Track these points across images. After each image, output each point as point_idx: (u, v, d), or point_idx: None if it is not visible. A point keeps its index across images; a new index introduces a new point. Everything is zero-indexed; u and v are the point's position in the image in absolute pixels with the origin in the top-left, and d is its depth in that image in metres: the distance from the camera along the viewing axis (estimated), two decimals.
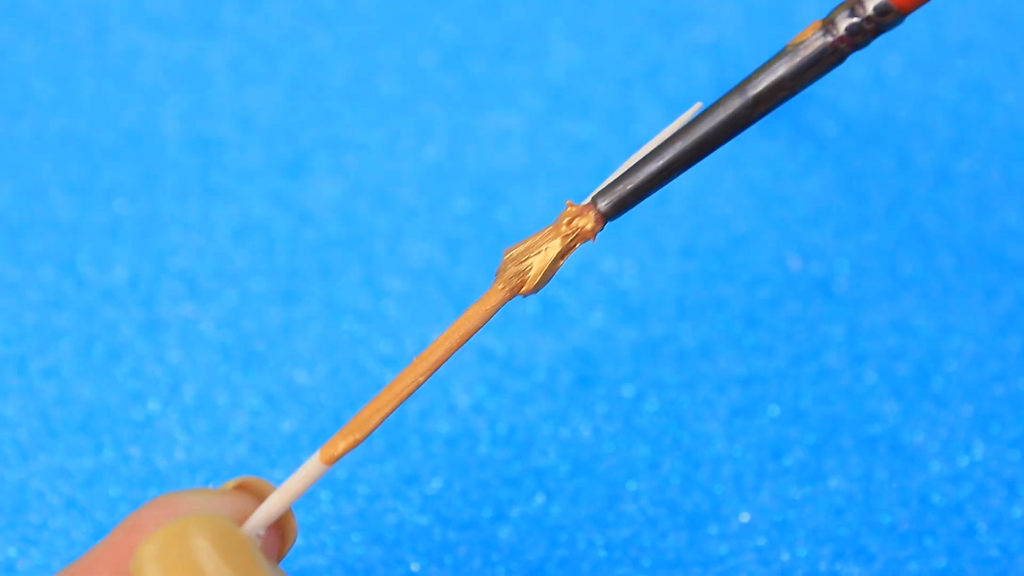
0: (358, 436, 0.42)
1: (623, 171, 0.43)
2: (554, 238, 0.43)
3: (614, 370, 0.62)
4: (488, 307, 0.43)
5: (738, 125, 0.42)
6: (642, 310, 0.64)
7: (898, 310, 0.64)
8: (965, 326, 0.63)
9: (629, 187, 0.43)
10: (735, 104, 0.42)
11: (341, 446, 0.42)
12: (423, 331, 0.63)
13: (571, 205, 0.43)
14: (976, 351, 0.62)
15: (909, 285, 0.64)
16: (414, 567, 0.58)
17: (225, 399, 0.61)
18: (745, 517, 0.59)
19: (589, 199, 0.43)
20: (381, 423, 0.42)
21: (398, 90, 0.70)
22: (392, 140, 0.68)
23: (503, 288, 0.43)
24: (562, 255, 0.43)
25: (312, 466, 0.42)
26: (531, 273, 0.43)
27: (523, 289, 0.43)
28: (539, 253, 0.43)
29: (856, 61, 0.71)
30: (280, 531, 0.43)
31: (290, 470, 0.60)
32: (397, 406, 0.42)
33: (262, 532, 0.43)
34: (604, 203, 0.43)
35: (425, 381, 0.43)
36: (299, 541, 0.58)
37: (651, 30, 0.72)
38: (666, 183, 0.43)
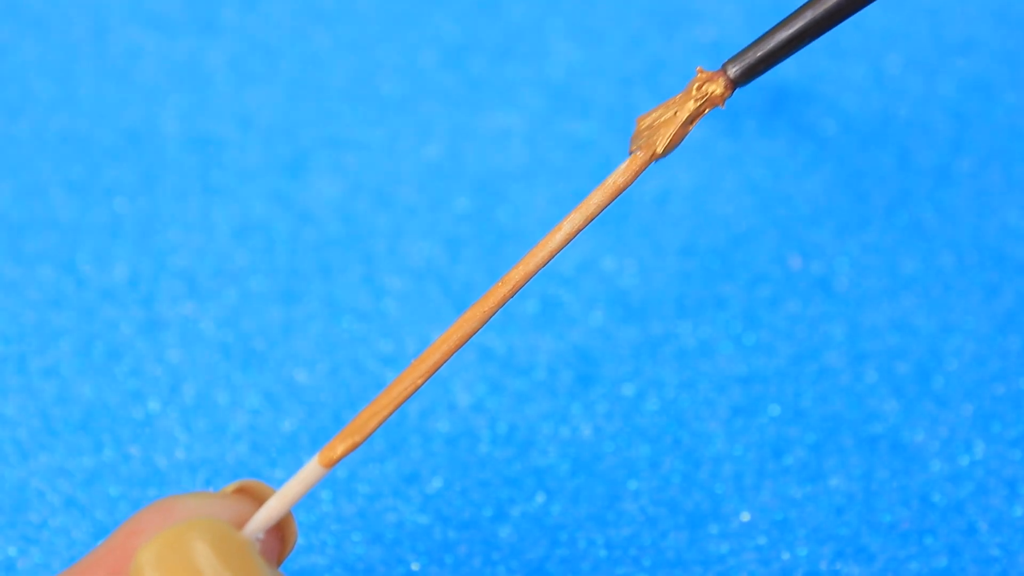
0: (356, 439, 0.42)
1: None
2: (685, 102, 0.43)
3: (614, 369, 0.62)
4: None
5: None
6: (642, 309, 0.64)
7: (898, 309, 0.64)
8: (966, 325, 0.63)
9: (759, 54, 0.43)
10: None
11: (340, 449, 0.42)
12: (423, 330, 0.63)
13: (701, 71, 0.43)
14: (977, 350, 0.62)
15: (909, 284, 0.64)
16: (414, 566, 0.58)
17: (225, 398, 0.61)
18: (746, 516, 0.59)
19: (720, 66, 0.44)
20: (380, 425, 0.42)
21: (398, 90, 0.70)
22: (392, 140, 0.68)
23: (639, 153, 0.43)
24: (692, 119, 0.43)
25: (311, 469, 0.42)
26: (662, 137, 0.43)
27: (655, 152, 0.43)
28: (670, 117, 0.43)
29: (857, 60, 0.71)
30: (280, 534, 0.43)
31: (290, 469, 0.60)
32: (395, 409, 0.42)
33: (261, 536, 0.43)
34: (734, 69, 0.43)
35: (424, 383, 0.43)
36: (300, 540, 0.58)
37: (651, 30, 0.72)
38: (796, 51, 0.43)
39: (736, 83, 0.44)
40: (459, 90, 0.70)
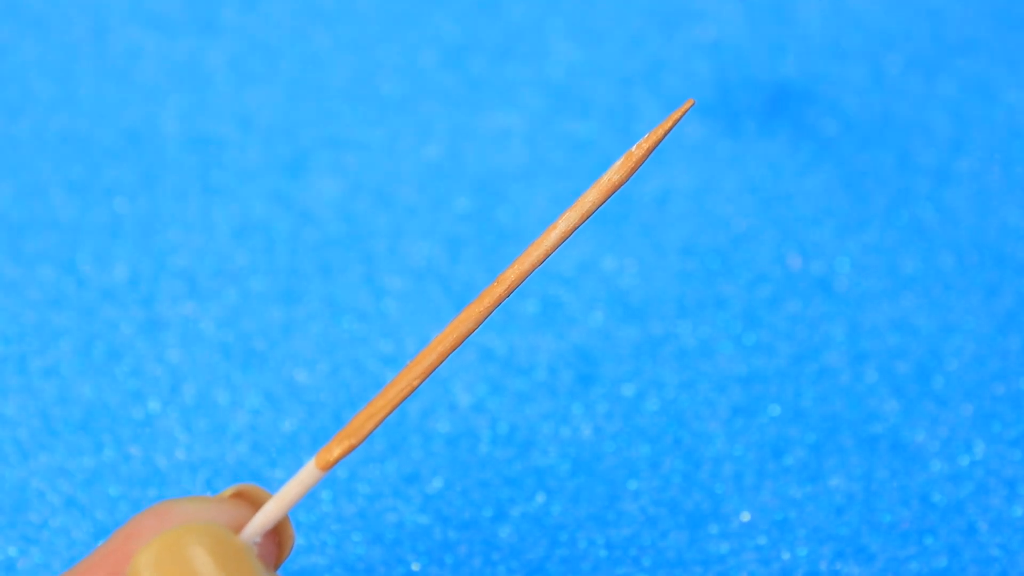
0: (353, 441, 0.42)
1: None
2: None
3: (614, 369, 0.62)
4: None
5: None
6: (642, 309, 0.64)
7: (899, 309, 0.64)
8: (966, 325, 0.63)
9: None
10: None
11: (336, 452, 0.42)
12: (423, 330, 0.63)
13: None
14: (977, 350, 0.62)
15: (910, 284, 0.64)
16: (415, 567, 0.58)
17: (225, 398, 0.61)
18: (746, 516, 0.59)
19: None
20: (376, 428, 0.42)
21: (398, 90, 0.70)
22: (392, 140, 0.68)
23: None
24: None
25: (308, 472, 0.42)
26: None
27: None
28: None
29: (857, 60, 0.71)
30: (277, 538, 0.43)
31: (290, 470, 0.60)
32: (392, 410, 0.42)
33: (259, 539, 0.42)
34: None
35: (420, 384, 0.43)
36: (300, 540, 0.58)
37: (651, 29, 0.71)
38: None
39: None
40: (459, 90, 0.70)
